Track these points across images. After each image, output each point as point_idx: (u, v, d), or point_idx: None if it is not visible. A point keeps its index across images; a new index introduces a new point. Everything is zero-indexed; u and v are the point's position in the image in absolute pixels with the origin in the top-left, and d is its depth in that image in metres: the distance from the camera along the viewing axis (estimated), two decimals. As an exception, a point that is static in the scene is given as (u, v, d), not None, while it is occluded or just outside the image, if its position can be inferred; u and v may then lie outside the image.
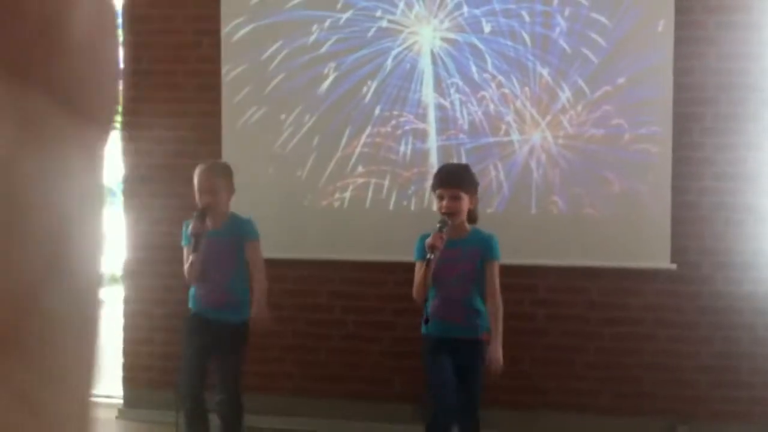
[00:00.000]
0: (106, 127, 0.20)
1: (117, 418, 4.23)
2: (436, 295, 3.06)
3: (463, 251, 3.03)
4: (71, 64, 0.18)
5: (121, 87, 0.21)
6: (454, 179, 3.04)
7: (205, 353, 3.21)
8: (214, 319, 3.21)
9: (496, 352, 3.02)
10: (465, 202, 3.03)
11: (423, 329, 3.12)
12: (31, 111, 0.18)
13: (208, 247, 3.15)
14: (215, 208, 3.17)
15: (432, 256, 2.92)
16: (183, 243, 3.27)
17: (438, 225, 2.96)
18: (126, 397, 4.30)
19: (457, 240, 3.03)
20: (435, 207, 3.13)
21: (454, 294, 3.04)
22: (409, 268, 3.25)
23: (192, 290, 3.29)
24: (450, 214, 2.99)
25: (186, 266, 3.20)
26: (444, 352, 3.05)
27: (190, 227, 3.14)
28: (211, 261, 3.18)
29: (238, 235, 3.26)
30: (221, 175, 3.23)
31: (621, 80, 3.88)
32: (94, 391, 0.20)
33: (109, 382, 4.28)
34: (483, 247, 3.05)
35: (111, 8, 0.20)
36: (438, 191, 3.06)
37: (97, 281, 0.20)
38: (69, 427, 0.19)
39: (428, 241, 2.94)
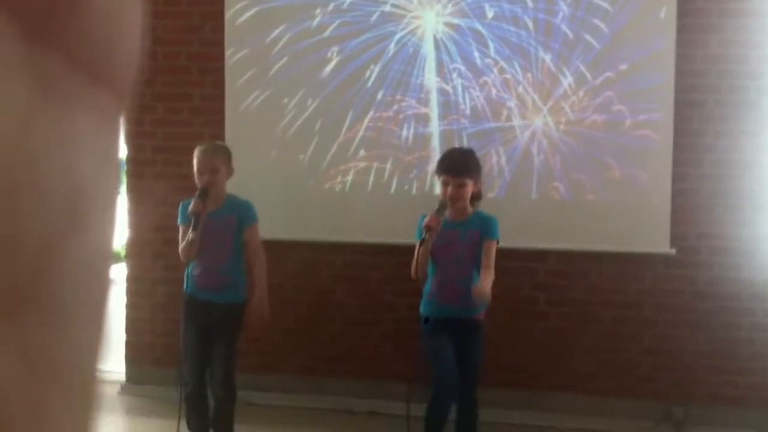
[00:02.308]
0: (125, 94, 0.20)
1: (119, 393, 4.27)
2: (435, 276, 3.11)
3: (463, 233, 3.07)
4: (92, 27, 0.18)
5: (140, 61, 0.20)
6: (460, 168, 3.07)
7: (204, 337, 3.24)
8: (209, 301, 3.23)
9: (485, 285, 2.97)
10: (469, 189, 3.07)
11: (421, 309, 3.16)
12: (49, 71, 0.18)
13: (206, 227, 3.16)
14: (214, 187, 3.19)
15: (427, 236, 2.95)
16: (179, 222, 3.28)
17: (437, 207, 3.00)
18: (128, 374, 4.34)
19: (457, 222, 3.06)
20: (438, 191, 3.15)
21: (452, 275, 3.08)
22: (409, 251, 3.27)
23: (188, 270, 3.30)
24: (454, 200, 3.03)
25: (182, 245, 3.21)
26: (442, 332, 3.09)
27: (191, 206, 3.15)
28: (209, 241, 3.19)
29: (236, 216, 3.27)
30: (220, 156, 3.25)
31: (623, 67, 3.90)
32: (101, 363, 0.20)
33: (111, 359, 4.31)
34: (483, 228, 3.08)
35: None
36: (443, 178, 3.09)
37: (110, 246, 0.20)
38: (73, 394, 0.19)
39: (425, 221, 2.98)
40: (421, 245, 2.99)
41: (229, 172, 3.31)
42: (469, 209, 3.12)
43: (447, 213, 3.04)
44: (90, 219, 0.19)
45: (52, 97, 0.18)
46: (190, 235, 3.14)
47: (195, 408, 3.26)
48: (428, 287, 3.15)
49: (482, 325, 3.12)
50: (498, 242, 3.12)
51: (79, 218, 0.18)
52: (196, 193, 3.17)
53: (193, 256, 3.20)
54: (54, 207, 0.18)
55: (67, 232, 0.18)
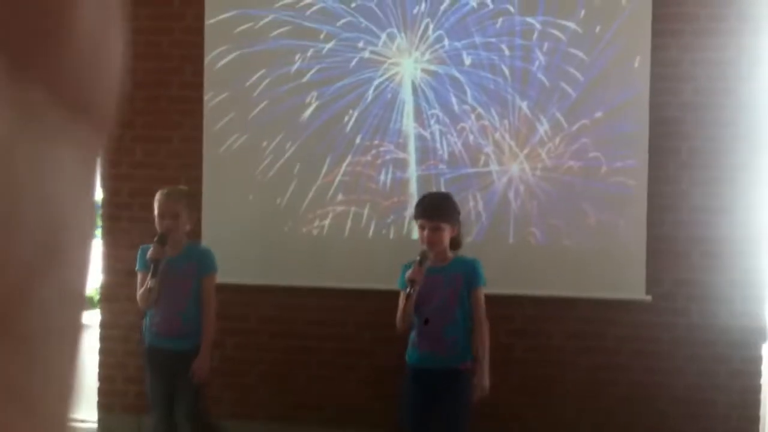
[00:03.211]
0: (105, 129, 0.20)
1: (91, 443, 4.19)
2: (418, 324, 3.06)
3: (445, 278, 3.05)
4: (74, 61, 0.18)
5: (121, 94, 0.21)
6: (435, 212, 3.06)
7: (169, 386, 3.19)
8: (168, 349, 3.18)
9: (483, 380, 3.02)
10: (446, 233, 3.05)
11: (406, 357, 3.14)
12: (31, 104, 0.18)
13: (166, 274, 3.12)
14: (175, 233, 3.16)
15: (412, 291, 2.93)
16: (137, 268, 3.24)
17: (418, 258, 2.98)
18: (101, 422, 4.26)
19: (438, 268, 3.05)
20: (416, 235, 3.15)
21: (436, 322, 3.05)
22: (388, 296, 3.26)
23: (146, 320, 3.26)
24: (430, 245, 3.01)
25: (140, 292, 3.17)
26: (422, 384, 3.05)
27: (150, 252, 3.12)
28: (167, 287, 3.14)
29: (196, 264, 3.23)
30: (182, 200, 3.23)
31: (598, 114, 3.95)
32: (75, 402, 0.20)
33: (83, 407, 4.23)
34: (467, 273, 3.07)
35: (118, 4, 0.20)
36: (419, 221, 3.08)
37: (85, 282, 0.20)
38: (52, 426, 0.19)
39: (408, 274, 2.96)
40: (407, 298, 2.96)
41: (192, 217, 3.28)
42: (449, 254, 3.11)
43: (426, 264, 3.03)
44: (67, 253, 0.19)
45: (33, 129, 0.18)
46: (148, 282, 3.09)
47: None
48: (412, 336, 3.12)
49: (468, 374, 3.09)
50: (484, 287, 3.11)
51: (56, 252, 0.18)
52: (155, 239, 3.14)
53: (152, 303, 3.15)
54: (32, 239, 0.17)
55: (45, 265, 0.18)
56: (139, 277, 3.21)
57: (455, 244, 3.13)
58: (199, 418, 3.22)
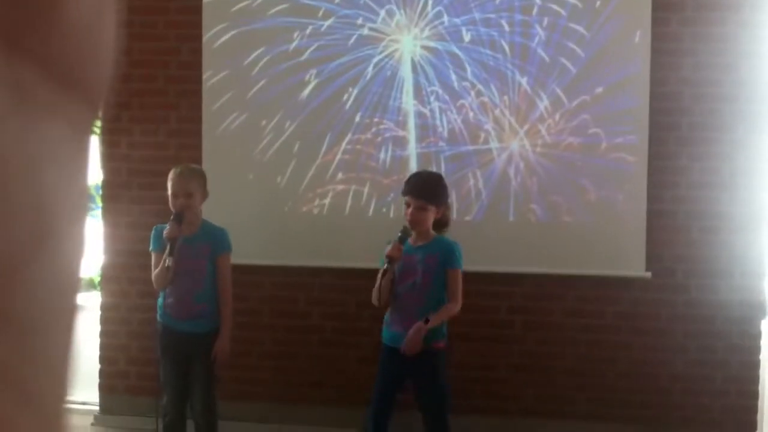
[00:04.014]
0: (97, 107, 0.20)
1: (93, 424, 4.21)
2: (393, 303, 3.08)
3: (422, 258, 3.05)
4: (66, 38, 0.18)
5: (113, 74, 0.20)
6: (423, 191, 3.05)
7: (183, 367, 3.19)
8: (184, 331, 3.17)
9: (421, 325, 2.98)
10: (430, 214, 3.04)
11: (382, 335, 3.16)
12: (22, 82, 0.17)
13: (181, 253, 3.10)
14: (189, 212, 3.15)
15: (389, 267, 2.94)
16: (151, 248, 3.22)
17: (399, 234, 2.98)
18: (102, 404, 4.28)
19: (417, 247, 3.05)
20: (404, 212, 3.15)
21: (408, 301, 3.05)
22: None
23: (159, 300, 3.24)
24: (412, 223, 3.02)
25: (156, 272, 3.15)
26: (393, 363, 3.07)
27: (166, 230, 3.10)
28: (182, 267, 3.12)
29: (211, 243, 3.22)
30: (196, 179, 3.22)
31: (598, 90, 3.93)
32: (72, 381, 0.20)
33: (85, 389, 4.25)
34: (443, 255, 3.06)
35: None
36: (406, 198, 3.09)
37: (78, 265, 0.19)
38: (42, 416, 0.18)
39: (387, 251, 2.97)
40: (383, 275, 2.97)
41: (204, 195, 3.27)
42: (432, 233, 3.10)
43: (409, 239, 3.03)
44: (59, 234, 0.18)
45: (24, 106, 0.17)
46: (166, 260, 3.07)
47: None
48: (388, 314, 3.14)
49: (439, 354, 3.08)
50: (461, 270, 3.09)
51: (48, 233, 0.18)
52: (171, 217, 3.12)
53: (168, 283, 3.14)
54: (22, 222, 0.17)
55: (36, 247, 0.18)
56: (154, 257, 3.19)
57: (441, 224, 3.13)
58: (214, 414, 3.23)
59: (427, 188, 3.07)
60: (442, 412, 3.08)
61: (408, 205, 3.05)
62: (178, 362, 3.18)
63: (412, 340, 2.98)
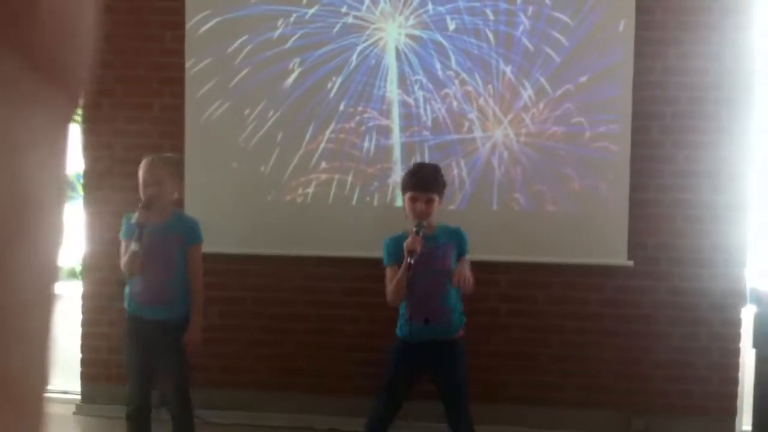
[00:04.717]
0: (77, 96, 0.20)
1: (74, 413, 4.19)
2: (411, 295, 3.00)
3: (437, 247, 3.04)
4: (45, 29, 0.18)
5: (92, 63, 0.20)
6: (429, 185, 3.03)
7: (148, 355, 3.16)
8: (152, 319, 3.13)
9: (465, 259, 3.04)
10: (436, 204, 3.05)
11: (398, 331, 3.10)
12: (2, 70, 0.17)
13: (150, 241, 3.07)
14: (159, 200, 3.12)
15: (412, 260, 2.91)
16: (121, 236, 3.19)
17: (414, 228, 2.94)
18: (84, 393, 4.26)
19: (429, 236, 3.03)
20: (404, 206, 3.08)
21: (429, 291, 3.02)
22: (372, 263, 3.25)
23: (127, 289, 3.22)
24: (423, 217, 2.99)
25: (124, 258, 3.12)
26: (412, 359, 3.04)
27: (135, 217, 3.07)
28: (152, 255, 3.09)
29: (182, 233, 3.19)
30: (167, 168, 3.19)
31: (582, 79, 3.93)
32: (51, 369, 0.19)
33: (66, 378, 4.23)
34: (457, 242, 3.07)
35: None
36: (411, 194, 3.03)
37: (56, 255, 0.19)
38: (19, 409, 0.18)
39: (408, 244, 2.90)
40: (408, 269, 2.91)
41: (177, 184, 3.24)
42: (434, 222, 3.11)
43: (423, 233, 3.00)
44: (36, 224, 0.18)
45: (4, 95, 0.17)
46: (133, 246, 3.04)
47: (137, 428, 3.18)
48: (404, 308, 3.06)
49: (461, 344, 3.09)
50: None
51: (24, 223, 0.17)
52: (140, 205, 3.10)
53: (136, 270, 3.11)
54: (1, 209, 0.17)
55: (12, 236, 0.17)
56: (123, 245, 3.16)
57: None
58: (188, 402, 3.21)
59: (432, 181, 3.05)
60: (467, 400, 3.05)
61: (414, 200, 3.01)
62: (144, 350, 3.15)
63: (463, 272, 2.98)
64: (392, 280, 3.01)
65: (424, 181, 3.04)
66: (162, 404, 3.25)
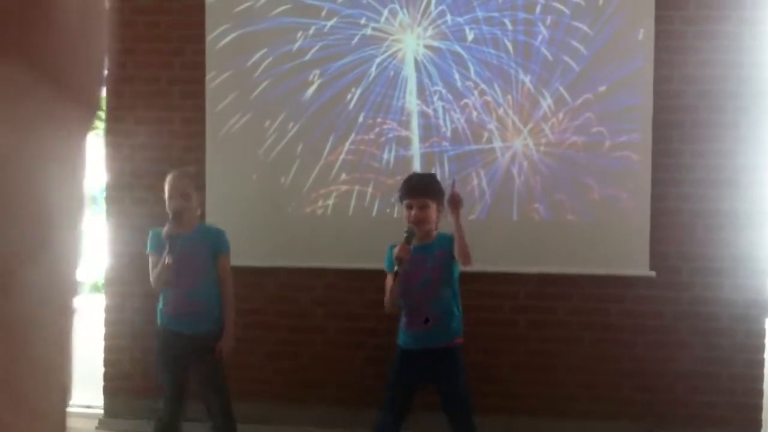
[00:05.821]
0: (92, 109, 0.20)
1: (97, 428, 4.20)
2: (407, 303, 3.06)
3: (430, 256, 3.06)
4: (58, 43, 0.18)
5: (106, 77, 0.20)
6: (422, 189, 3.07)
7: (180, 372, 3.18)
8: (185, 332, 3.16)
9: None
10: (433, 211, 3.06)
11: (399, 340, 3.14)
12: (15, 86, 0.17)
13: (180, 251, 3.11)
14: (187, 212, 3.15)
15: (400, 269, 2.93)
16: (148, 250, 3.22)
17: (405, 236, 2.98)
18: (106, 407, 4.28)
19: (423, 245, 3.05)
20: (404, 216, 3.11)
21: (424, 299, 3.05)
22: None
23: (159, 304, 3.24)
24: (418, 223, 3.01)
25: (154, 272, 3.15)
26: (413, 367, 3.05)
27: (165, 229, 3.10)
28: (183, 266, 3.12)
29: (210, 242, 3.22)
30: (192, 181, 3.23)
31: (602, 88, 3.92)
32: (70, 382, 0.19)
33: (89, 392, 4.25)
34: (448, 248, 3.07)
35: None
36: (406, 201, 3.08)
37: (74, 268, 0.19)
38: (37, 420, 0.18)
39: (395, 253, 2.95)
40: (394, 278, 2.96)
41: (199, 198, 3.28)
42: (434, 232, 3.11)
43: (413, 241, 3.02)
44: (54, 238, 0.18)
45: (19, 110, 0.17)
46: (165, 257, 3.08)
47: None
48: (402, 317, 3.12)
49: (459, 350, 3.10)
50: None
51: (43, 237, 0.18)
52: (170, 217, 3.13)
53: (167, 282, 3.14)
54: (18, 224, 0.17)
55: (32, 250, 0.17)
56: (151, 259, 3.19)
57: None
58: (232, 414, 3.22)
59: (424, 186, 3.09)
60: (469, 409, 3.06)
61: (409, 207, 3.05)
62: (176, 363, 3.18)
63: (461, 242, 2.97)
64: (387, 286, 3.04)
65: (417, 187, 3.08)
66: (208, 417, 3.26)
